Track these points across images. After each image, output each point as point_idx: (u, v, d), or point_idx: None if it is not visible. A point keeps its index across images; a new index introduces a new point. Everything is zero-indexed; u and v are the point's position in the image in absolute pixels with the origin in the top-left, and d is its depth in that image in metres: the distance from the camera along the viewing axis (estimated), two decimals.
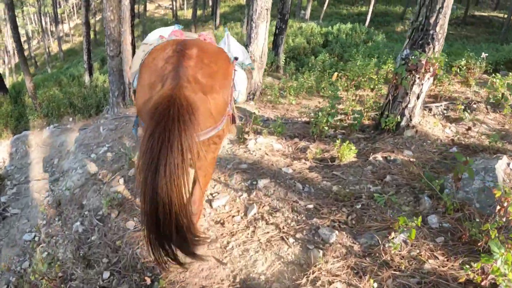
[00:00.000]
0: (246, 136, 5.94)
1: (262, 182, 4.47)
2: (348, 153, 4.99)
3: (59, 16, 49.24)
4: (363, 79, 9.25)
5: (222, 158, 5.32)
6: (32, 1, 44.62)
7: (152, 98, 2.52)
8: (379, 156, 5.21)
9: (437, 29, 5.48)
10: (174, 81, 2.53)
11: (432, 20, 5.45)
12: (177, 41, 2.93)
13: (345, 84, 9.64)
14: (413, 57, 5.56)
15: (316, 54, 18.17)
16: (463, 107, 6.65)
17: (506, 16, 28.98)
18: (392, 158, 5.17)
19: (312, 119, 6.28)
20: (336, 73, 11.25)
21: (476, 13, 32.91)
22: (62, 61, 38.42)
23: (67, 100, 13.28)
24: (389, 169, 4.91)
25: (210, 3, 45.83)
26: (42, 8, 44.34)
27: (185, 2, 50.24)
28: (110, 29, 8.18)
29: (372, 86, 8.82)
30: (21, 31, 45.07)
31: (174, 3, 47.29)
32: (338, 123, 6.46)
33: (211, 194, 4.48)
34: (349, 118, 6.65)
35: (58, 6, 49.61)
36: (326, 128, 5.97)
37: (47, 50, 39.94)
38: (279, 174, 4.74)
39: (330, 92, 9.23)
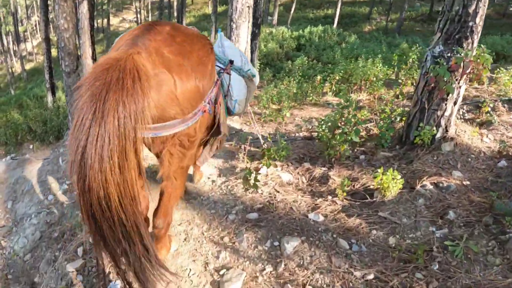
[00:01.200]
0: (241, 164, 4.49)
1: (290, 245, 2.99)
2: (394, 185, 3.57)
3: (21, 35, 46.61)
4: (361, 83, 7.88)
5: (218, 202, 3.85)
6: None
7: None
8: (427, 183, 3.84)
9: (477, 20, 4.25)
10: (127, 48, 2.00)
11: (471, 9, 4.21)
12: (150, 22, 2.36)
13: (334, 88, 8.32)
14: (452, 54, 4.25)
15: (291, 59, 17.07)
16: (489, 108, 5.48)
17: None
18: (444, 184, 3.82)
19: (321, 136, 4.86)
20: (319, 77, 10.07)
21: (440, 8, 32.17)
22: (26, 81, 36.12)
23: (26, 125, 11.48)
24: (446, 200, 3.64)
25: (175, 14, 44.21)
26: (3, 27, 41.66)
27: (150, 14, 48.34)
28: (64, 40, 6.58)
29: (372, 90, 7.43)
30: None
31: (138, 15, 45.46)
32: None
33: (217, 270, 2.95)
34: (369, 131, 5.24)
35: (20, 24, 46.99)
36: (347, 147, 4.54)
37: (9, 70, 37.47)
38: (308, 226, 3.28)
39: (323, 98, 7.88)
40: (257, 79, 3.49)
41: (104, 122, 1.68)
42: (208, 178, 4.41)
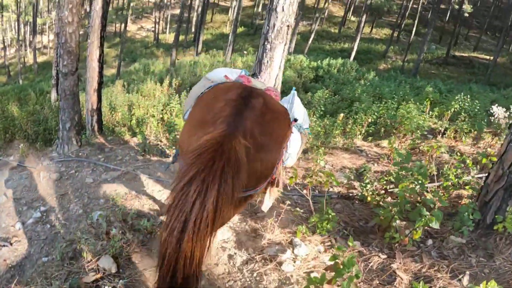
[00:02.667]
0: (269, 235, 3.20)
1: None
2: None
3: (39, 26, 45.55)
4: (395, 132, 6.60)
5: None
6: (15, 7, 40.87)
7: (199, 137, 2.13)
8: None
9: None
10: (228, 129, 2.11)
11: None
12: (243, 86, 2.62)
13: (363, 131, 7.05)
14: None
15: (309, 90, 15.91)
16: None
17: (491, 58, 27.66)
18: None
19: (378, 210, 3.57)
20: (342, 114, 8.83)
21: (457, 53, 31.52)
22: (36, 73, 34.92)
23: (18, 122, 10.14)
24: None
25: (193, 30, 43.33)
26: (22, 16, 40.56)
27: (168, 26, 47.49)
28: (66, 35, 5.34)
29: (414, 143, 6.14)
30: None
31: (156, 26, 44.53)
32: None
33: None
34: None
35: (40, 16, 45.99)
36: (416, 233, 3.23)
37: (21, 60, 36.30)
38: None
39: (349, 139, 6.61)
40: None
41: (205, 204, 1.87)
42: (223, 248, 3.11)
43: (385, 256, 3.19)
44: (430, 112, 7.57)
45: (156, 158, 5.57)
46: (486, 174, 3.90)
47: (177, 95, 10.10)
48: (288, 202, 3.83)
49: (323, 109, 10.17)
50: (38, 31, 44.46)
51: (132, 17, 51.15)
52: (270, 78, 5.58)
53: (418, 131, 5.53)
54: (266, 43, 5.36)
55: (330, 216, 3.38)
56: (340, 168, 5.51)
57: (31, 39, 45.22)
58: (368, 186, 4.20)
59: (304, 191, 3.39)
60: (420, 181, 3.41)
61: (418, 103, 8.69)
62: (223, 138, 2.03)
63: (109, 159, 5.56)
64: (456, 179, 4.02)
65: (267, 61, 5.41)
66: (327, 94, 11.68)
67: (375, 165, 5.63)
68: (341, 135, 7.30)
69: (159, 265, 2.03)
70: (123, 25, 38.54)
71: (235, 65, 21.49)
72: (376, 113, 7.55)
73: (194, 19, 44.22)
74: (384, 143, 7.02)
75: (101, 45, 7.18)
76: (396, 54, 32.64)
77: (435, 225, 3.04)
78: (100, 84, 7.35)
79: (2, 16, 41.90)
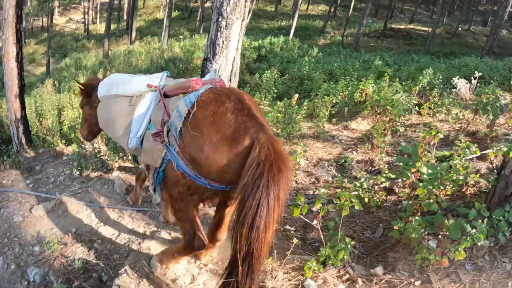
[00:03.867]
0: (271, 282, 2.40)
1: None
2: None
3: None
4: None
5: None
6: None
7: (235, 153, 2.24)
8: None
9: None
10: (264, 135, 2.24)
11: None
12: (221, 91, 2.50)
13: (326, 113, 6.30)
14: None
15: (252, 71, 15.04)
16: None
17: (428, 29, 27.96)
18: None
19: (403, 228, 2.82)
20: (296, 95, 8.06)
21: (394, 26, 31.55)
22: None
23: None
24: None
25: (125, 17, 40.87)
26: None
27: (98, 15, 44.54)
28: None
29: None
30: None
31: (86, 16, 41.56)
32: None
33: None
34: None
35: None
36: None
37: None
38: None
39: (313, 122, 5.90)
40: None
41: (279, 199, 2.15)
42: None
43: (419, 283, 2.47)
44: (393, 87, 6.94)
45: (96, 173, 4.52)
46: (499, 164, 3.24)
47: None
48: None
49: (275, 91, 9.39)
50: None
51: (60, 9, 47.59)
52: (227, 63, 4.64)
53: (396, 109, 4.80)
54: (220, 20, 4.39)
55: (346, 243, 2.59)
56: (317, 161, 4.74)
57: None
58: (365, 184, 3.44)
59: (315, 221, 2.54)
60: (445, 186, 2.68)
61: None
62: (271, 144, 2.19)
63: (40, 183, 4.45)
64: (464, 170, 3.32)
65: (222, 42, 4.47)
66: (276, 75, 10.83)
67: (354, 153, 4.90)
68: (304, 119, 6.52)
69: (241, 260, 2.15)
70: (50, 18, 35.55)
71: (173, 51, 20.18)
72: (340, 93, 6.83)
73: (126, 6, 41.70)
74: (353, 124, 6.34)
75: (18, 41, 5.95)
76: (334, 29, 32.26)
77: (479, 241, 2.33)
78: (22, 87, 6.13)
79: None
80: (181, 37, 27.49)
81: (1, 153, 4.87)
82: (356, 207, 2.50)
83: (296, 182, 4.22)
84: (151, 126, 2.66)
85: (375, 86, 7.03)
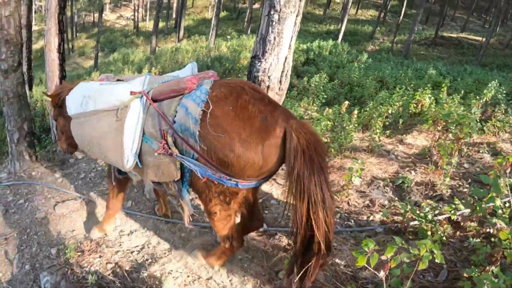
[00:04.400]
0: None
1: None
2: None
3: None
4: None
5: None
6: None
7: (271, 143, 2.14)
8: None
9: None
10: (292, 117, 2.21)
11: None
12: (231, 82, 2.35)
13: (377, 125, 5.69)
14: None
15: (300, 74, 14.53)
16: None
17: (480, 39, 26.54)
18: None
19: None
20: (347, 102, 7.48)
21: (445, 34, 30.20)
22: None
23: None
24: None
25: (174, 16, 41.35)
26: None
27: (148, 13, 45.34)
28: (2, 19, 3.91)
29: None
30: None
31: (136, 13, 42.37)
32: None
33: None
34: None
35: None
36: None
37: None
38: None
39: (365, 134, 5.35)
40: None
41: (327, 182, 2.14)
42: None
43: None
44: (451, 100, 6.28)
45: None
46: None
47: None
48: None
49: (325, 96, 8.87)
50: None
51: (111, 5, 48.92)
52: (278, 62, 4.14)
53: (469, 128, 4.14)
54: (272, 13, 3.90)
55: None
56: (371, 179, 4.20)
57: None
58: (429, 215, 2.91)
59: (381, 273, 2.02)
60: None
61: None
62: (301, 129, 2.12)
63: (70, 178, 4.17)
64: None
65: (274, 38, 3.96)
66: (325, 79, 10.29)
67: (412, 173, 4.32)
68: (356, 130, 5.99)
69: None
70: (99, 13, 36.48)
71: (220, 50, 20.00)
72: (396, 103, 6.23)
73: (175, 4, 42.21)
74: (409, 138, 5.74)
75: (60, 32, 5.74)
76: (383, 35, 31.23)
77: None
78: (62, 78, 5.94)
79: None
80: (228, 37, 27.32)
81: (34, 144, 4.63)
82: (437, 260, 1.96)
83: (348, 203, 3.72)
84: (146, 138, 2.37)
85: (432, 98, 6.41)
